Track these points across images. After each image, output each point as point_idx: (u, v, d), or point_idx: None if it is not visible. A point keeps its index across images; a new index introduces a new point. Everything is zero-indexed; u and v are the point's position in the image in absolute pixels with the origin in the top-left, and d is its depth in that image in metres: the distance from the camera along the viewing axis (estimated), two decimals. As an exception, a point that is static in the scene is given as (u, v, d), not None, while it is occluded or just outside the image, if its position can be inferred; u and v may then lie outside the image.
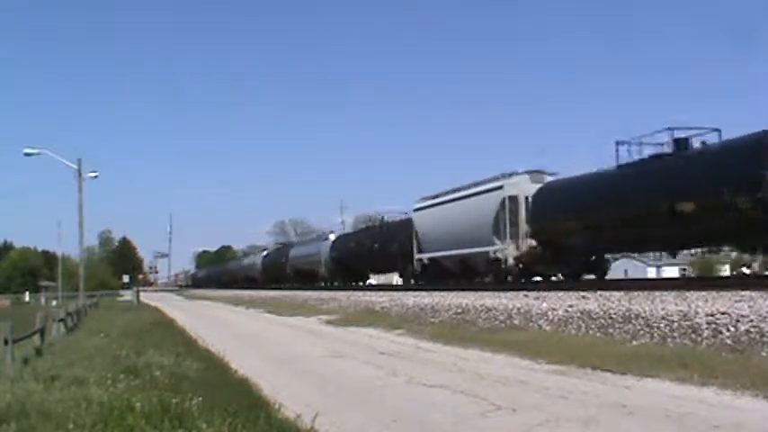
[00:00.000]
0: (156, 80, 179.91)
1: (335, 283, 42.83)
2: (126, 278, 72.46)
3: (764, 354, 8.02)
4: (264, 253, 67.24)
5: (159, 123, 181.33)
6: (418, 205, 31.08)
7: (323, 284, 44.74)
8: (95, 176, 39.08)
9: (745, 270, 37.89)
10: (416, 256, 29.96)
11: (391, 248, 33.22)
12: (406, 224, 32.09)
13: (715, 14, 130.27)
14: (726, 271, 48.87)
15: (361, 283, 40.83)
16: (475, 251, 25.20)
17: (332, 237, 45.99)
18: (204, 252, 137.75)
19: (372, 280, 44.65)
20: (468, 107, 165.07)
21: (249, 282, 66.33)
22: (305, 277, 49.40)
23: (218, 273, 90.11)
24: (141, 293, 49.55)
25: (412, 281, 31.91)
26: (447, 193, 28.92)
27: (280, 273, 55.44)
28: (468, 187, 27.08)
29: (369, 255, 36.53)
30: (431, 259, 29.11)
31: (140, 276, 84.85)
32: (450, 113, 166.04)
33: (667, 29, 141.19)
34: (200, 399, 6.07)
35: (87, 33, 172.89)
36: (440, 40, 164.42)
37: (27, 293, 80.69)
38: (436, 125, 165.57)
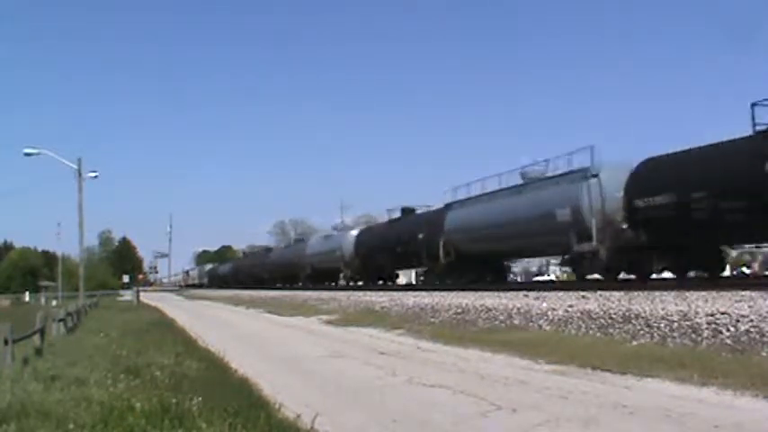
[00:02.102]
0: (156, 80, 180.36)
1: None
2: (126, 278, 72.50)
3: (764, 354, 8.01)
4: (356, 231, 41.09)
5: (159, 123, 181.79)
6: None
7: (596, 282, 19.85)
8: (95, 176, 39.21)
9: (744, 270, 37.91)
10: None
11: None
12: None
13: (715, 14, 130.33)
14: (726, 271, 48.74)
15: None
16: None
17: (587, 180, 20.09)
18: (204, 252, 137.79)
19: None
20: (468, 107, 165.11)
21: (321, 278, 44.98)
22: (496, 270, 27.40)
23: (252, 266, 65.95)
24: (141, 293, 49.54)
25: None
26: None
27: (403, 259, 32.76)
28: None
29: None
30: None
31: (140, 276, 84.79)
32: (450, 113, 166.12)
33: (667, 29, 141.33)
34: (201, 399, 6.06)
35: (87, 33, 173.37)
36: (440, 40, 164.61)
37: (27, 293, 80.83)
38: (436, 125, 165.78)
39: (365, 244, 37.95)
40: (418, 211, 34.03)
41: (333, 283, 44.55)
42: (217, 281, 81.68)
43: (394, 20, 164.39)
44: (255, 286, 54.99)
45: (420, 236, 29.95)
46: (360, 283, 38.88)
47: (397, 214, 35.85)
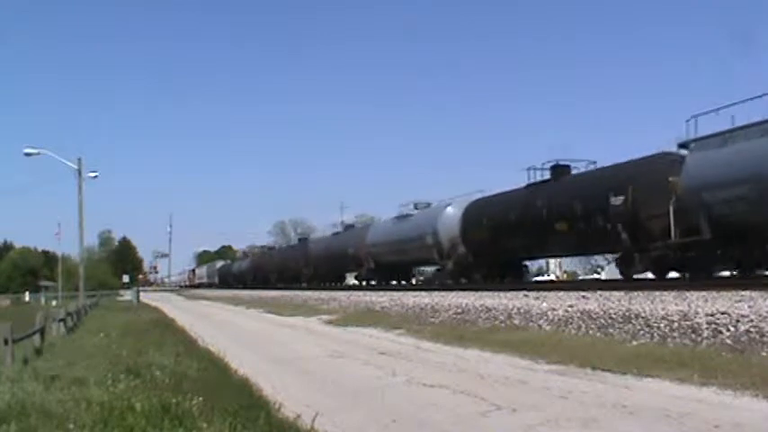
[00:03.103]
0: (156, 80, 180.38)
1: None
2: (126, 278, 72.48)
3: (764, 354, 8.01)
4: (456, 208, 29.15)
5: (159, 123, 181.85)
6: None
7: None
8: (95, 176, 39.27)
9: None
10: None
11: None
12: None
13: (715, 14, 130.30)
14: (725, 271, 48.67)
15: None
16: None
17: None
18: (204, 252, 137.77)
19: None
20: (467, 107, 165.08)
21: (390, 275, 33.75)
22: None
23: (283, 262, 54.05)
24: (141, 293, 49.54)
25: None
26: None
27: (569, 242, 22.04)
28: None
29: None
30: None
31: (140, 276, 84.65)
32: (449, 114, 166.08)
33: (667, 29, 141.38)
34: (201, 399, 6.06)
35: (87, 33, 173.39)
36: (440, 40, 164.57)
37: (27, 293, 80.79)
38: (436, 126, 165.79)
39: (480, 224, 26.29)
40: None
41: (404, 282, 33.36)
42: (231, 280, 72.02)
43: (394, 20, 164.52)
44: (284, 287, 46.33)
45: (614, 201, 19.06)
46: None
47: (536, 177, 24.25)
